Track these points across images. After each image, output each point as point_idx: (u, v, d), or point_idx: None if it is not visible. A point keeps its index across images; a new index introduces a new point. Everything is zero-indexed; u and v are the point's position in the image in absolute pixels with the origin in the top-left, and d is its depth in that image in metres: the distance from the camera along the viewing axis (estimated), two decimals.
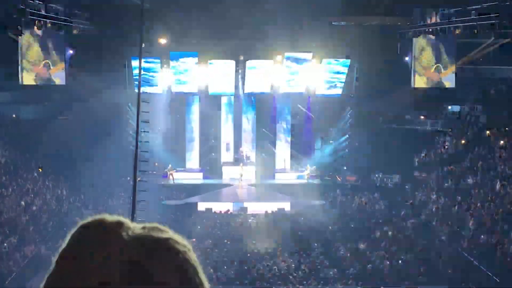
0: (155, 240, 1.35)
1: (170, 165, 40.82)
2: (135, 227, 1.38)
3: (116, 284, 1.26)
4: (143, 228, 1.38)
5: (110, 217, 1.39)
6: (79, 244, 1.34)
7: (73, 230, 1.38)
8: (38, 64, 38.48)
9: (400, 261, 26.04)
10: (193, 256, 1.39)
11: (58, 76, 39.13)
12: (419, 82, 40.39)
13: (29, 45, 38.16)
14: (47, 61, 38.63)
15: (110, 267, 1.28)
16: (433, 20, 35.99)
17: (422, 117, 42.18)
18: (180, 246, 1.38)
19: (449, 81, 40.22)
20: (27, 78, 38.53)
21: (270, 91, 42.39)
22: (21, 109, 40.30)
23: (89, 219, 1.39)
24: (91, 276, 1.27)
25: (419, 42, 39.73)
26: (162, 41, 38.88)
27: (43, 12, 31.61)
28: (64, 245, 1.36)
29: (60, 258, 1.34)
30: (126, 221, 1.38)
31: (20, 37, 36.00)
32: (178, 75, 40.96)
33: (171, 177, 40.30)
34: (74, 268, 1.29)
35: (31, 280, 24.52)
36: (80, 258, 1.30)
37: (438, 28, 35.09)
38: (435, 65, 40.11)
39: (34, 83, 38.98)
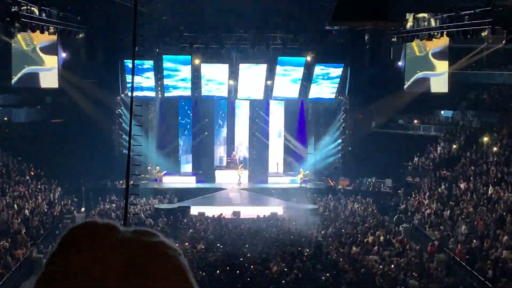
0: (146, 244, 1.34)
1: (158, 167, 40.85)
2: (126, 231, 1.37)
3: (106, 287, 1.26)
4: (134, 232, 1.37)
5: (100, 221, 1.38)
6: (70, 247, 1.33)
7: (63, 233, 1.37)
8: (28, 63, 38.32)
9: (392, 266, 26.02)
10: (183, 261, 1.38)
11: (49, 79, 38.94)
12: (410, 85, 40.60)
13: (21, 46, 38.03)
14: (27, 57, 38.42)
15: (100, 270, 1.27)
16: (426, 25, 36.07)
17: (415, 121, 42.29)
18: (171, 250, 1.37)
19: (442, 86, 40.37)
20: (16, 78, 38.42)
21: (263, 95, 42.44)
22: (13, 112, 40.18)
23: (80, 222, 1.38)
24: (81, 279, 1.27)
25: (412, 45, 39.88)
26: (155, 45, 38.86)
27: (36, 15, 31.53)
28: (54, 248, 1.35)
29: (50, 261, 1.33)
30: (117, 225, 1.38)
31: (13, 39, 35.93)
32: (171, 78, 40.95)
33: (158, 178, 40.40)
34: (64, 270, 1.29)
35: (22, 283, 24.42)
36: (70, 261, 1.30)
37: (431, 33, 35.15)
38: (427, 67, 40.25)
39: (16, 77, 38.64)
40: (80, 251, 1.31)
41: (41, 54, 38.64)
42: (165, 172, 41.05)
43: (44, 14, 32.37)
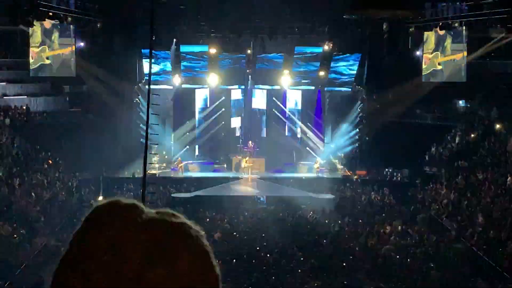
0: (170, 224, 1.35)
1: (179, 158, 40.90)
2: (149, 211, 1.38)
3: (130, 264, 1.26)
4: (157, 212, 1.38)
5: (125, 200, 1.39)
6: (95, 225, 1.34)
7: (88, 212, 1.38)
8: (34, 44, 38.14)
9: (409, 256, 26.02)
10: (205, 242, 1.40)
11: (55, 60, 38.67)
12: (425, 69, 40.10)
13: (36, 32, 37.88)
14: (44, 46, 38.27)
15: (124, 248, 1.28)
16: (445, 14, 35.81)
17: (434, 111, 42.02)
18: (193, 231, 1.39)
19: (459, 75, 40.00)
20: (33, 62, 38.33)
21: (280, 84, 42.39)
22: (31, 101, 40.38)
23: (104, 201, 1.39)
24: (105, 257, 1.27)
25: (429, 34, 39.50)
26: (173, 34, 38.89)
27: (54, 4, 31.64)
28: (79, 225, 1.36)
29: (74, 239, 1.34)
30: (141, 204, 1.38)
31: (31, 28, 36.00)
32: (188, 68, 41.02)
33: (180, 169, 40.37)
34: (89, 248, 1.30)
35: (40, 271, 24.62)
36: (95, 239, 1.30)
37: (450, 22, 34.89)
38: (434, 52, 39.81)
39: (32, 61, 38.47)
40: (105, 229, 1.31)
41: (54, 39, 38.40)
42: (185, 162, 41.09)
43: (62, 3, 32.47)
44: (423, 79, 40.42)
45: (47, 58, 38.44)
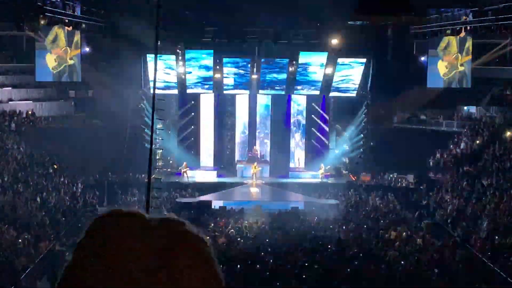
0: (172, 234, 1.35)
1: (184, 163, 40.88)
2: (153, 219, 1.38)
3: (133, 274, 1.27)
4: (161, 220, 1.38)
5: (126, 210, 1.39)
6: (97, 234, 1.34)
7: (90, 222, 1.38)
8: (59, 47, 38.06)
9: (413, 262, 25.92)
10: (208, 250, 1.39)
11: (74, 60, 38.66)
12: (441, 68, 39.82)
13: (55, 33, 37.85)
14: (67, 47, 38.25)
15: (126, 259, 1.28)
16: (450, 20, 35.78)
17: (438, 117, 41.94)
18: (197, 240, 1.38)
19: (466, 79, 39.91)
20: (49, 60, 38.23)
21: (285, 90, 42.34)
22: (37, 106, 40.44)
23: (106, 210, 1.39)
24: (109, 266, 1.28)
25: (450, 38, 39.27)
26: (178, 39, 38.92)
27: (60, 10, 31.73)
28: (81, 235, 1.36)
29: (78, 249, 1.35)
30: (143, 213, 1.39)
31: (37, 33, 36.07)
32: (193, 73, 41.01)
33: (185, 175, 40.33)
34: (92, 258, 1.30)
35: (45, 276, 24.62)
36: (97, 250, 1.31)
37: (455, 28, 34.87)
38: (456, 54, 39.60)
39: (55, 64, 38.51)
40: (107, 239, 1.32)
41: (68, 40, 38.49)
42: (190, 167, 41.07)
43: (68, 9, 32.56)
44: (442, 85, 40.06)
45: (57, 49, 38.24)
